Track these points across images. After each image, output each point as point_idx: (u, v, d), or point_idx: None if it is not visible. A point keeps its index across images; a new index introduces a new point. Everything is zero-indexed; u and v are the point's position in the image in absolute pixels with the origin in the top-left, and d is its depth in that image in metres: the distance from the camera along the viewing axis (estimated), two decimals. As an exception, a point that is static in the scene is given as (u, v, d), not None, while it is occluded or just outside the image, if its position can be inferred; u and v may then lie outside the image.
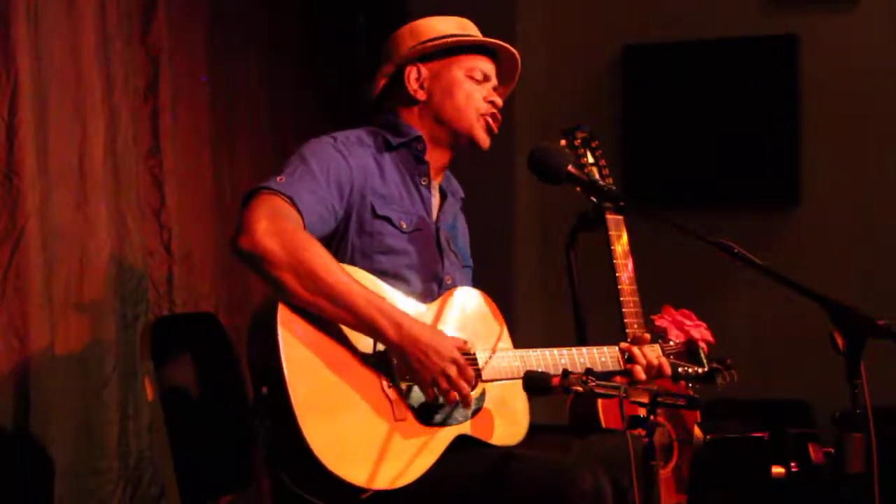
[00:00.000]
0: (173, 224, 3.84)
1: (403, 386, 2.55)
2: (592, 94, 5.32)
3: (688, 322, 2.95)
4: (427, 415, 2.57)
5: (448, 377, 2.51)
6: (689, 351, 2.94)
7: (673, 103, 5.25)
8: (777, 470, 3.64)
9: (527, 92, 5.27)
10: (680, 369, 2.89)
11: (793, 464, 3.64)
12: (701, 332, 2.96)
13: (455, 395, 2.53)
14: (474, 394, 2.62)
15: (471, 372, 2.56)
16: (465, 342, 2.60)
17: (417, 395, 2.56)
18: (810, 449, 3.65)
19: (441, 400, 2.55)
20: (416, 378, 2.52)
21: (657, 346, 2.87)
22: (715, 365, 2.93)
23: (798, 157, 5.10)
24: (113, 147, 3.60)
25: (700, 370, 2.92)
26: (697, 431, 3.45)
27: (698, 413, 3.40)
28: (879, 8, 5.07)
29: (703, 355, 2.94)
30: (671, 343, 2.92)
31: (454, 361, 2.52)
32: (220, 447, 3.11)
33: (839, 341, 2.24)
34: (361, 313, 2.47)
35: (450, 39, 2.81)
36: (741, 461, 3.65)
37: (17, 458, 3.24)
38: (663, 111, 5.27)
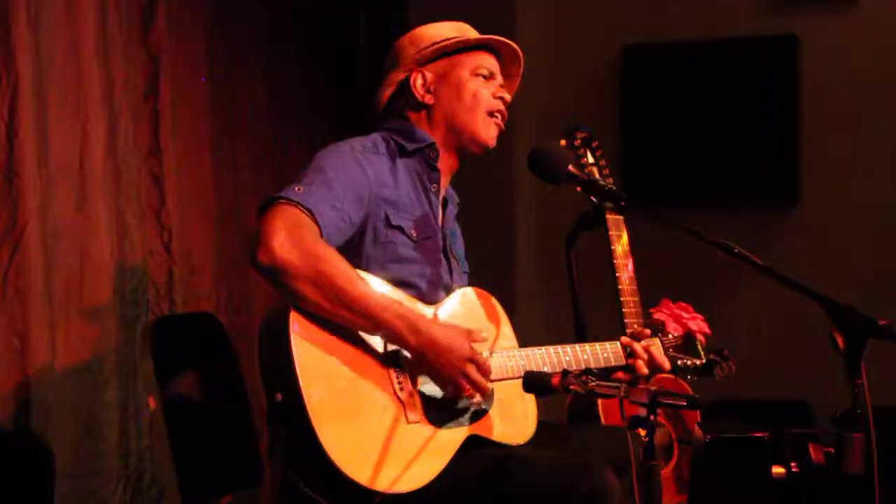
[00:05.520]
0: (173, 224, 3.84)
1: (418, 385, 2.56)
2: (592, 94, 5.32)
3: (685, 315, 2.96)
4: (439, 415, 2.57)
5: (467, 376, 2.54)
6: (687, 343, 2.95)
7: (672, 103, 5.24)
8: (777, 470, 3.64)
9: (526, 92, 5.25)
10: (679, 362, 2.91)
11: (793, 464, 3.64)
12: (698, 325, 2.96)
13: (473, 392, 2.56)
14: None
15: (488, 366, 2.58)
16: (479, 332, 2.62)
17: (432, 393, 2.58)
18: (810, 449, 3.65)
19: (461, 401, 2.57)
20: (437, 379, 2.55)
21: (657, 341, 2.88)
22: (712, 356, 2.94)
23: (798, 157, 5.10)
24: (113, 147, 3.61)
25: (698, 362, 2.93)
26: (697, 431, 3.45)
27: (698, 413, 3.41)
28: (879, 8, 5.07)
29: (700, 347, 2.95)
30: (670, 336, 2.92)
31: (471, 359, 2.54)
32: (220, 447, 3.12)
33: (839, 341, 2.24)
34: (381, 321, 2.49)
35: (450, 41, 2.82)
36: (741, 461, 3.65)
37: (17, 458, 3.24)
38: (663, 111, 5.26)
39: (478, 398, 2.60)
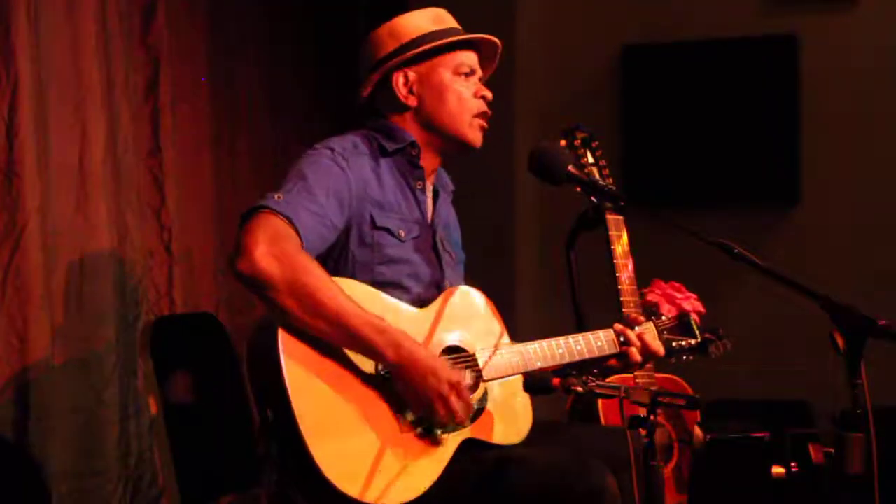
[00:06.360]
0: (173, 224, 3.84)
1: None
2: (591, 94, 5.32)
3: (678, 295, 2.94)
4: (429, 427, 2.56)
5: (445, 399, 2.48)
6: (681, 323, 2.93)
7: (672, 103, 5.24)
8: (777, 470, 3.64)
9: (526, 92, 5.27)
10: (674, 343, 2.88)
11: (793, 464, 3.64)
12: (692, 304, 2.95)
13: (449, 419, 2.50)
14: (476, 395, 2.62)
15: (467, 396, 2.54)
16: (464, 371, 2.58)
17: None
18: (810, 449, 3.65)
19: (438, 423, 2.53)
20: (415, 398, 2.49)
21: (651, 327, 2.85)
22: (707, 335, 2.92)
23: (798, 156, 5.10)
24: (113, 147, 3.61)
25: (693, 342, 2.91)
26: (697, 431, 3.45)
27: (698, 413, 3.40)
28: (879, 8, 5.07)
29: (695, 326, 2.93)
30: (664, 318, 2.90)
31: (452, 385, 2.50)
32: (220, 447, 3.12)
33: (839, 341, 2.24)
34: (360, 336, 2.46)
35: (433, 44, 2.78)
36: (741, 461, 3.65)
37: (17, 459, 3.24)
38: (663, 111, 5.26)
39: (450, 422, 2.53)
